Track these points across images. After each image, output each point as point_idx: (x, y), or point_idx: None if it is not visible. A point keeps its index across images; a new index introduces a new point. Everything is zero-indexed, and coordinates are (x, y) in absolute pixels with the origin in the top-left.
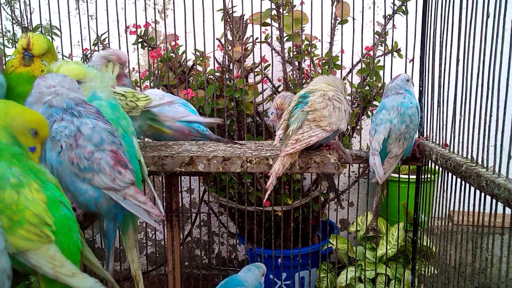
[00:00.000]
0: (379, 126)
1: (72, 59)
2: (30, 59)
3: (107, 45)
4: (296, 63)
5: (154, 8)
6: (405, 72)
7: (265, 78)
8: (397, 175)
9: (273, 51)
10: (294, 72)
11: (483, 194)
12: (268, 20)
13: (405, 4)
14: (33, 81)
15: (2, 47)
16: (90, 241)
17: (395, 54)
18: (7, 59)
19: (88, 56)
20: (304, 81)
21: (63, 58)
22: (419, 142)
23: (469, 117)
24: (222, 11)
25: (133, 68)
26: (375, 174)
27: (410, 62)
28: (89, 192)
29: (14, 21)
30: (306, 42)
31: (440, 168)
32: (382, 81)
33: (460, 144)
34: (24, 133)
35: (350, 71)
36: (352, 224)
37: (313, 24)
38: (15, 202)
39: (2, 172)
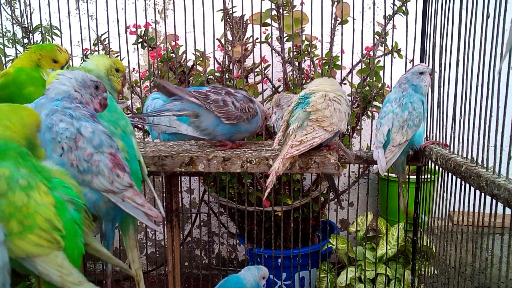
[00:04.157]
0: (383, 119)
1: (72, 59)
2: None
3: (107, 45)
4: (296, 63)
5: (154, 8)
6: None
7: (265, 78)
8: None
9: (273, 51)
10: (294, 72)
11: (483, 194)
12: (268, 20)
13: (405, 4)
14: None
15: (2, 47)
16: None
17: (395, 54)
18: (7, 59)
19: (88, 56)
20: (304, 81)
21: None
22: (426, 146)
23: (469, 117)
24: (222, 11)
25: (133, 68)
26: (378, 166)
27: (410, 62)
28: (88, 195)
29: (14, 21)
30: (306, 42)
31: (440, 168)
32: (382, 81)
33: (460, 144)
34: (35, 135)
35: (350, 71)
36: (352, 224)
37: (313, 24)
38: (25, 205)
39: (11, 173)
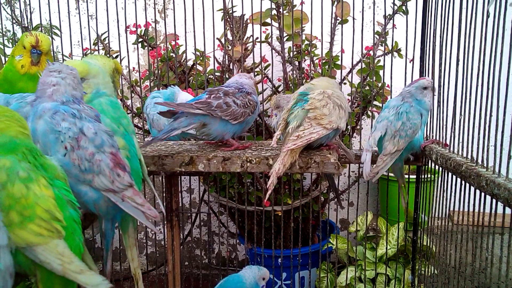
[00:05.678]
0: (379, 124)
1: (72, 59)
2: (38, 56)
3: (107, 44)
4: (296, 63)
5: (154, 8)
6: (405, 72)
7: (265, 78)
8: None
9: (273, 51)
10: (294, 72)
11: (483, 194)
12: (268, 20)
13: (405, 4)
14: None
15: (2, 47)
16: (90, 241)
17: (395, 54)
18: (7, 59)
19: (88, 56)
20: (304, 81)
21: (63, 58)
22: (426, 146)
23: (469, 117)
24: (222, 11)
25: (133, 68)
26: (363, 170)
27: (410, 62)
28: (88, 194)
29: (14, 21)
30: (306, 42)
31: (440, 168)
32: (382, 81)
33: (460, 144)
34: None
35: (350, 71)
36: (352, 224)
37: (313, 24)
38: (24, 196)
39: (12, 165)
